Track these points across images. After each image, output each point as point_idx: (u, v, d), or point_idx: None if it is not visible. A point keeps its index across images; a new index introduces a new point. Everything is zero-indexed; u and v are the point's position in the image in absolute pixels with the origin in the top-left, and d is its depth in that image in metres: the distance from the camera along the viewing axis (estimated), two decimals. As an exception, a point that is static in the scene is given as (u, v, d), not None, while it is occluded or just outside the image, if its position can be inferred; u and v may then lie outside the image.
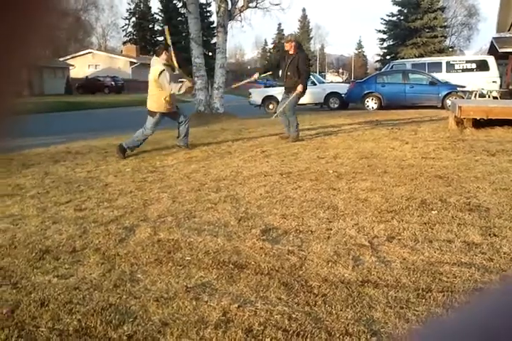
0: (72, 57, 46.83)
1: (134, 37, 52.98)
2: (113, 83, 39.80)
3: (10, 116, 0.19)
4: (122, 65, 48.35)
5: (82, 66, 46.19)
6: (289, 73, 7.92)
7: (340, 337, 2.15)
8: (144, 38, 52.38)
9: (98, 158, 7.02)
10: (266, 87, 21.57)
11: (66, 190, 5.09)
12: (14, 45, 0.19)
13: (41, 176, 5.78)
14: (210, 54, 23.31)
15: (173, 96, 6.97)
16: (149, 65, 7.18)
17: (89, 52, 49.10)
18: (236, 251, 3.25)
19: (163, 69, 6.75)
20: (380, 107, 16.50)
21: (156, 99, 6.98)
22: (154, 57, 7.11)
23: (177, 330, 2.25)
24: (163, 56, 6.92)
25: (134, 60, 48.36)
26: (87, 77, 41.66)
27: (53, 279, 2.83)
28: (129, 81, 42.51)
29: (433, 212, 3.94)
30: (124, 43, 54.54)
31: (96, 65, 48.73)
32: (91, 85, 39.35)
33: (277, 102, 18.06)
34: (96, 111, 20.57)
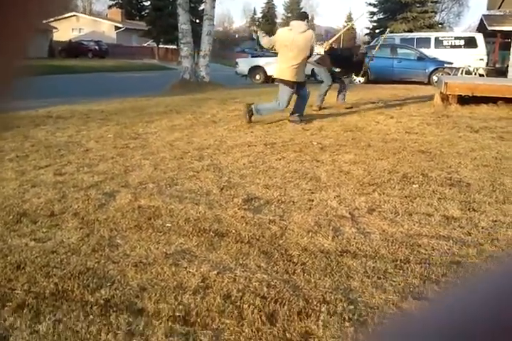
0: (56, 20, 45.53)
1: (120, 1, 51.54)
2: (97, 47, 38.89)
3: (14, 78, 0.18)
4: (107, 30, 47.16)
5: (65, 29, 44.96)
6: None
7: (318, 304, 2.17)
8: (129, 3, 50.96)
9: (80, 123, 6.90)
10: (253, 56, 21.29)
11: (46, 154, 5.00)
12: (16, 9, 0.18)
13: (21, 139, 5.67)
14: (198, 21, 22.80)
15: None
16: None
17: (74, 16, 47.72)
18: (217, 219, 3.24)
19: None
20: (368, 81, 16.42)
21: (301, 68, 6.45)
22: (298, 21, 6.48)
23: (155, 295, 2.25)
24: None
25: (119, 25, 47.16)
26: (70, 40, 40.62)
27: (30, 242, 2.79)
28: (113, 46, 41.58)
29: (414, 185, 3.96)
30: (110, 7, 53.05)
31: (80, 29, 47.47)
32: (74, 49, 38.39)
33: (264, 73, 17.90)
34: (79, 76, 20.13)
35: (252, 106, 6.74)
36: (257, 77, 17.45)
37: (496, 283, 0.21)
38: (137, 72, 22.95)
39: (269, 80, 17.28)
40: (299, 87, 6.59)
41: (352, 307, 2.16)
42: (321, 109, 8.29)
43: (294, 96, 6.72)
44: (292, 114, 6.92)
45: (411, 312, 0.23)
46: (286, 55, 6.41)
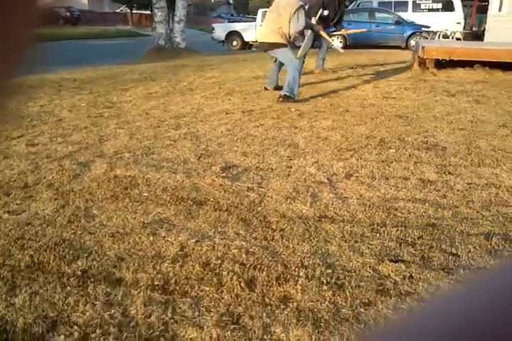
0: (23, -15, 43.73)
1: (90, -36, 49.58)
2: (68, 14, 37.65)
3: (28, 45, 0.18)
4: (77, -5, 45.57)
5: (33, -5, 43.28)
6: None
7: (296, 269, 2.19)
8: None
9: (52, 92, 6.72)
10: (230, 22, 20.85)
11: (18, 124, 4.87)
12: None
13: (-9, 110, 5.50)
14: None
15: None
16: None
17: (41, -20, 45.88)
18: (195, 187, 3.22)
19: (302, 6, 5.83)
20: (346, 46, 16.26)
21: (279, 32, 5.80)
22: None
23: (133, 265, 2.24)
24: None
25: (90, -10, 45.58)
26: (39, 7, 39.16)
27: (4, 215, 2.74)
28: (85, 12, 40.28)
29: (391, 150, 3.98)
30: (79, -29, 51.08)
31: (49, -6, 45.75)
32: (44, 16, 37.07)
33: (241, 38, 17.58)
34: (50, 44, 19.52)
35: (282, 93, 5.96)
36: (234, 43, 17.15)
37: (498, 282, 0.20)
38: (110, 39, 22.35)
39: (246, 46, 17.03)
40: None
41: (330, 271, 2.18)
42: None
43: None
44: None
45: (411, 311, 0.22)
46: (268, 17, 6.06)
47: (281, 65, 6.53)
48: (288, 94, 5.91)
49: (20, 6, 0.17)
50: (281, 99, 5.92)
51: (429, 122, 4.89)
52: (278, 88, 6.56)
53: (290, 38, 5.96)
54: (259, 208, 2.90)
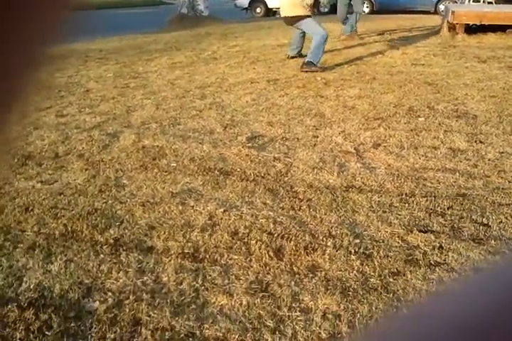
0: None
1: None
2: (90, -17, 37.37)
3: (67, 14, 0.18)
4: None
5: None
6: None
7: (324, 239, 2.21)
8: None
9: (78, 63, 6.73)
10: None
11: (46, 95, 4.92)
12: None
13: (19, 81, 5.56)
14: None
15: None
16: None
17: None
18: (222, 158, 3.23)
19: None
20: (372, 11, 15.81)
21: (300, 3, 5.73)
22: None
23: (164, 233, 2.28)
24: None
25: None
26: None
27: (37, 184, 2.81)
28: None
29: (420, 119, 3.91)
30: None
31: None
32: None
33: (265, 5, 17.23)
34: (82, 13, 19.43)
35: (306, 59, 5.86)
36: (258, 10, 16.82)
37: (499, 281, 0.20)
38: (134, 8, 22.18)
39: (270, 13, 16.69)
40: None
41: (358, 241, 2.19)
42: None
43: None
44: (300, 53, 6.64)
45: (414, 307, 0.22)
46: None
47: (304, 32, 6.40)
48: (311, 61, 5.81)
49: None
50: (304, 66, 5.84)
51: (459, 89, 4.77)
52: (301, 55, 6.48)
53: (314, 6, 5.79)
54: (286, 178, 2.90)
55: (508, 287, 0.19)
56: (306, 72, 5.76)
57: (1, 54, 0.16)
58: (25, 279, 1.94)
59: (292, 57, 6.74)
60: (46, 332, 1.67)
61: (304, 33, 6.46)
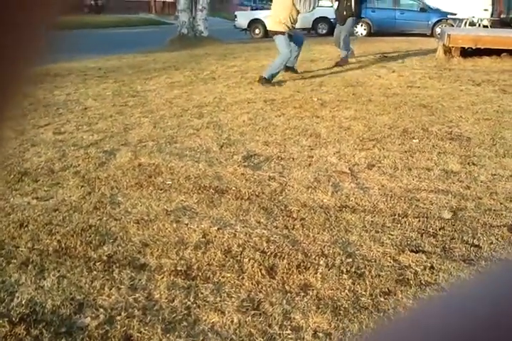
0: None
1: (113, -48, 49.66)
2: (93, 2, 37.84)
3: (54, 33, 0.18)
4: (101, -17, 45.71)
5: (58, -17, 43.53)
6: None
7: (316, 258, 2.22)
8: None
9: (77, 81, 6.81)
10: (252, 9, 20.71)
11: (45, 112, 4.97)
12: None
13: (18, 98, 5.61)
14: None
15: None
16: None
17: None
18: (217, 176, 3.26)
19: None
20: (370, 34, 16.06)
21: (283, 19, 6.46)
22: None
23: (157, 251, 2.29)
24: None
25: (114, -22, 45.67)
26: (64, -5, 39.42)
27: (32, 201, 2.82)
28: (109, 0, 40.41)
29: (414, 140, 3.95)
30: (103, -41, 51.22)
31: (73, -17, 45.99)
32: (69, 4, 37.29)
33: (264, 26, 17.47)
34: (75, 33, 19.67)
35: (263, 76, 6.46)
36: (257, 31, 17.06)
37: (498, 283, 0.21)
38: (134, 28, 22.44)
39: (268, 34, 16.93)
40: (291, 36, 6.65)
41: (350, 260, 2.21)
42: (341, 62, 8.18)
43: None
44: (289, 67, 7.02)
45: (413, 310, 0.23)
46: (274, 7, 6.63)
47: (298, 45, 6.89)
48: (266, 78, 6.38)
49: None
50: (259, 81, 6.39)
51: (454, 112, 4.84)
52: (293, 69, 7.07)
53: (292, 23, 6.51)
54: (281, 197, 2.93)
55: (500, 293, 0.19)
56: (262, 84, 6.31)
57: None
58: (17, 295, 1.95)
59: (287, 68, 6.97)
60: (36, 348, 1.67)
61: (298, 46, 6.89)
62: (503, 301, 0.19)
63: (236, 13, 18.51)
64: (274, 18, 6.55)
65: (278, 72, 6.54)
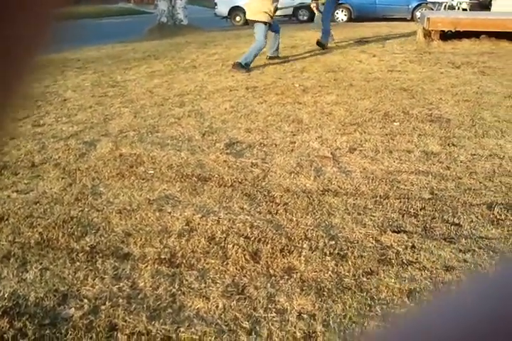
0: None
1: None
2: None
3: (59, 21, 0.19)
4: (77, -26, 44.90)
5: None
6: None
7: (300, 241, 2.23)
8: None
9: (56, 73, 6.71)
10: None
11: (23, 105, 4.89)
12: None
13: (-5, 92, 5.52)
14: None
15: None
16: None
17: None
18: (200, 164, 3.25)
19: None
20: (350, 19, 16.03)
21: (265, 7, 6.58)
22: None
23: (140, 240, 2.29)
24: None
25: (90, -32, 44.86)
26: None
27: (12, 194, 2.79)
28: (86, -9, 39.73)
29: (395, 123, 3.97)
30: (78, -51, 50.20)
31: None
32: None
33: (245, 14, 17.32)
34: (75, 23, 19.34)
35: (238, 61, 6.55)
36: (237, 18, 16.91)
37: (494, 285, 0.20)
38: (113, 18, 22.15)
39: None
40: (271, 26, 6.73)
41: (333, 242, 2.22)
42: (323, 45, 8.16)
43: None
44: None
45: (413, 311, 0.23)
46: None
47: (277, 33, 7.01)
48: (241, 62, 6.44)
49: None
50: (234, 67, 6.44)
51: (434, 94, 4.86)
52: (278, 57, 7.17)
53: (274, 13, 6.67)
54: (263, 183, 2.93)
55: (498, 295, 0.19)
56: (235, 71, 6.35)
57: None
58: (-1, 288, 1.93)
59: (271, 58, 7.11)
60: (21, 340, 1.66)
61: (277, 32, 6.98)
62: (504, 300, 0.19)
63: (216, 0, 18.31)
64: (258, 8, 6.55)
65: (253, 59, 6.59)
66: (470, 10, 14.18)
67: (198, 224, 2.44)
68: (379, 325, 1.69)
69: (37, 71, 0.19)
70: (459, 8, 14.33)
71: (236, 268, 2.05)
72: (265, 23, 6.55)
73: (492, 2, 12.66)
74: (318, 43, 8.10)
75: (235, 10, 16.99)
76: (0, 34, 0.17)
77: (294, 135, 3.81)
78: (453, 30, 8.15)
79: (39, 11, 0.18)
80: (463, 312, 0.19)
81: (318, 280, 1.95)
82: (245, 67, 6.44)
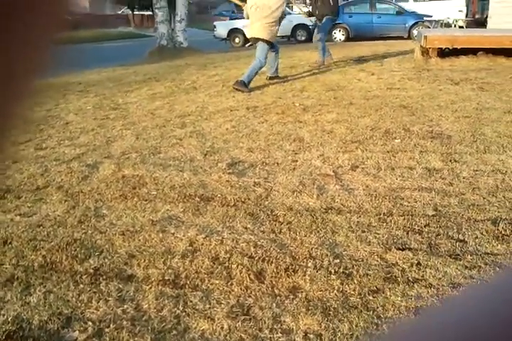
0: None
1: (89, -32, 49.64)
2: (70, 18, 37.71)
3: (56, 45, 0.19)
4: (78, -1, 45.67)
5: None
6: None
7: (304, 260, 2.22)
8: (99, -31, 49.18)
9: (58, 96, 6.77)
10: (231, 19, 20.83)
11: (26, 129, 4.92)
12: None
13: (-2, 116, 5.56)
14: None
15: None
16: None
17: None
18: (202, 184, 3.25)
19: None
20: (348, 38, 16.22)
21: (269, 27, 6.68)
22: None
23: (144, 261, 2.28)
24: None
25: (91, -6, 45.67)
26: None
27: (16, 217, 2.79)
28: (86, 15, 40.36)
29: (396, 140, 3.98)
30: (79, -25, 51.08)
31: None
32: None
33: (244, 35, 17.55)
34: (74, 47, 19.61)
35: (240, 79, 6.63)
36: (236, 40, 17.13)
37: (496, 293, 0.21)
38: (113, 42, 22.44)
39: (249, 42, 17.00)
40: (273, 45, 6.83)
41: (337, 261, 2.21)
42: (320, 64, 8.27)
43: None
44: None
45: (421, 315, 0.23)
46: (259, 15, 6.60)
47: (276, 53, 7.09)
48: (243, 81, 6.50)
49: (43, 12, 0.18)
50: (236, 84, 6.50)
51: (434, 111, 4.89)
52: (278, 76, 7.25)
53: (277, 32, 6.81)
54: (266, 202, 2.93)
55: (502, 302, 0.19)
56: (236, 89, 6.43)
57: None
58: (2, 312, 1.92)
59: (271, 78, 7.19)
60: (24, 365, 1.64)
61: (276, 53, 7.07)
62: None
63: (215, 23, 18.60)
64: (263, 27, 6.61)
65: (253, 78, 6.67)
66: (466, 27, 14.36)
67: (202, 244, 2.43)
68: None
69: (37, 94, 0.20)
70: (455, 26, 14.53)
71: (241, 289, 2.04)
72: (268, 42, 6.62)
73: (487, 19, 12.83)
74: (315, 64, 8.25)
75: (234, 32, 17.23)
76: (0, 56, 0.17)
77: (295, 153, 3.82)
78: (450, 48, 8.24)
79: (39, 34, 0.18)
80: (465, 318, 0.19)
81: (324, 299, 1.93)
82: (246, 85, 6.51)
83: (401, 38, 15.39)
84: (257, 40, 6.74)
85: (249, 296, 1.98)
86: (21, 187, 3.28)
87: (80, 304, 1.96)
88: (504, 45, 7.71)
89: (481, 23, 15.92)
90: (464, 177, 3.13)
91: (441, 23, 14.44)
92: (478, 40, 8.14)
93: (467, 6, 17.67)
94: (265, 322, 1.81)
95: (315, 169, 3.46)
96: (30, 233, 2.59)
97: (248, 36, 7.19)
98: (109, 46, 19.16)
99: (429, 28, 14.62)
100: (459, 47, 8.10)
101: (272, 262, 2.22)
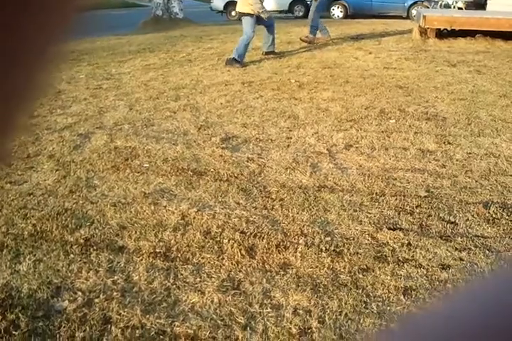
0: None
1: None
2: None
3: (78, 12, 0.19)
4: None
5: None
6: None
7: (296, 237, 2.23)
8: None
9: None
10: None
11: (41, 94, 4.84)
12: None
13: (-12, 82, 5.46)
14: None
15: None
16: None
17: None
18: (195, 158, 3.23)
19: None
20: (346, 16, 16.01)
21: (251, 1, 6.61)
22: None
23: (135, 233, 2.27)
24: None
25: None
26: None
27: (6, 185, 2.76)
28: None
29: (391, 121, 3.97)
30: None
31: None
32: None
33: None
34: (95, 13, 19.17)
35: (231, 57, 6.55)
36: (233, 13, 16.79)
37: (491, 290, 0.20)
38: (108, 10, 22.00)
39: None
40: (260, 19, 6.73)
41: (329, 238, 2.22)
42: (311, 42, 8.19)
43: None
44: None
45: (420, 313, 0.22)
46: None
47: (270, 28, 7.01)
48: (235, 58, 6.43)
49: None
50: (228, 63, 6.43)
51: (430, 92, 4.87)
52: (273, 52, 7.17)
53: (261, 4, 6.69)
54: (259, 178, 2.92)
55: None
56: (226, 66, 6.34)
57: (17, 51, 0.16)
58: (-8, 279, 1.91)
59: (267, 53, 7.13)
60: (13, 332, 1.65)
61: (269, 27, 6.99)
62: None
63: (212, -5, 18.23)
64: (243, 1, 6.64)
65: (244, 52, 6.60)
66: (466, 9, 14.21)
67: (194, 218, 2.43)
68: (375, 322, 1.69)
69: (57, 61, 0.19)
70: (454, 7, 14.37)
71: (231, 263, 2.04)
72: (251, 15, 6.59)
73: (487, 1, 12.70)
74: (304, 39, 8.18)
75: (231, 4, 16.88)
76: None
77: (290, 130, 3.80)
78: (449, 29, 8.16)
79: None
80: (461, 316, 0.19)
81: (314, 276, 1.94)
82: (239, 61, 6.43)
83: (400, 17, 15.22)
84: (242, 14, 6.74)
85: (240, 271, 1.99)
86: (12, 154, 3.24)
87: (69, 274, 1.96)
88: (503, 28, 7.65)
89: (481, 6, 15.75)
90: (457, 160, 3.14)
91: (441, 4, 14.28)
92: (477, 22, 8.06)
93: (468, -14, 17.44)
94: (255, 297, 1.82)
95: (309, 147, 3.44)
96: (21, 201, 2.57)
97: (236, 10, 7.21)
98: (104, 15, 18.77)
99: (428, 7, 14.46)
100: (457, 28, 8.03)
101: (263, 238, 2.23)
